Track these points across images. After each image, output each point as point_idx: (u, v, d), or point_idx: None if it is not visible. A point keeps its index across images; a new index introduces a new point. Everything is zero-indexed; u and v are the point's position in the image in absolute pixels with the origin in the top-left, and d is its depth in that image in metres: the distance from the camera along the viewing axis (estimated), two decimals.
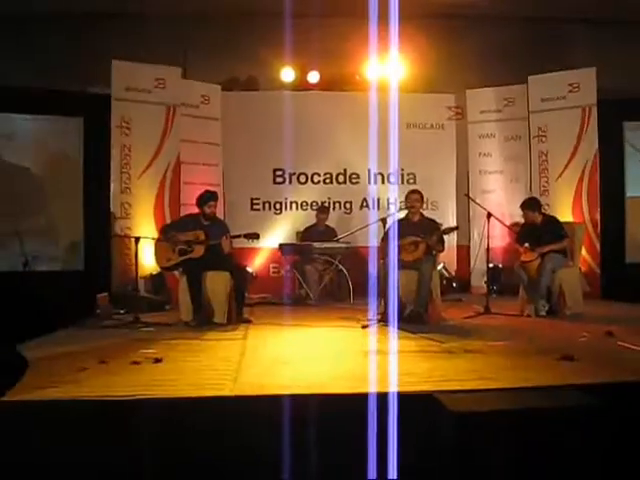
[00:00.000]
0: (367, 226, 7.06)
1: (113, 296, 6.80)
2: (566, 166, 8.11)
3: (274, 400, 3.17)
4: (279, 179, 8.75)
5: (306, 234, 8.07)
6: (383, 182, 8.83)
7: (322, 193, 8.75)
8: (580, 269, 6.99)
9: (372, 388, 3.22)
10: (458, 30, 8.33)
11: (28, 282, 6.94)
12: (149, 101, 7.63)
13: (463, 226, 8.20)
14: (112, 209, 7.41)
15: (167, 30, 7.85)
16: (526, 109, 8.38)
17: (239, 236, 6.12)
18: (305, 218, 8.54)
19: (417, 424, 2.94)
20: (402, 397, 3.00)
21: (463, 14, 8.25)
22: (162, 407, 3.12)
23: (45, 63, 7.65)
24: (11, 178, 7.66)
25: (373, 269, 6.31)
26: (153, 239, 6.31)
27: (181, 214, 7.33)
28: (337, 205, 8.78)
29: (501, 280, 8.06)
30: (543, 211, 6.79)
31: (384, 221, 6.24)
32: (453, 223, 8.13)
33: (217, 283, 5.93)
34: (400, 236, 5.87)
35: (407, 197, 6.45)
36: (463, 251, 8.64)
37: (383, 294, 5.79)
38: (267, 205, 8.73)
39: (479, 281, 8.19)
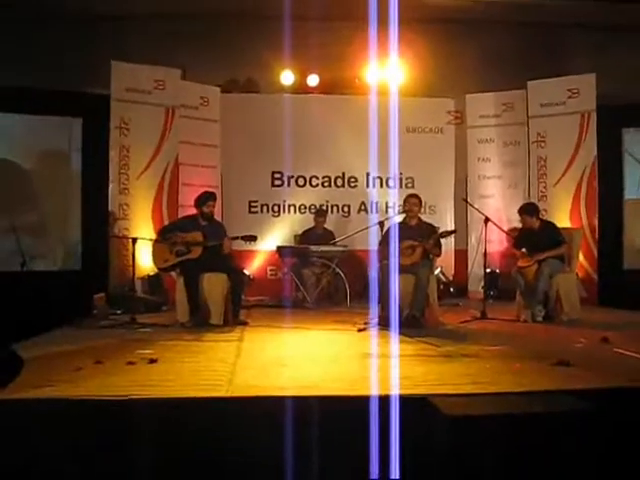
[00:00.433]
0: (365, 229, 7.05)
1: (110, 296, 6.81)
2: (565, 172, 8.11)
3: (270, 401, 3.18)
4: (277, 182, 8.76)
5: (304, 237, 8.06)
6: (382, 186, 8.84)
7: (320, 196, 8.75)
8: (577, 275, 6.98)
9: (367, 390, 3.22)
10: (458, 35, 8.33)
11: (25, 281, 6.94)
12: (148, 102, 7.64)
13: (461, 231, 8.18)
14: (110, 210, 7.40)
15: (167, 32, 7.85)
16: (525, 114, 8.39)
17: (237, 238, 6.14)
18: (303, 221, 8.54)
19: (411, 427, 2.93)
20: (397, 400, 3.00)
21: (463, 19, 8.26)
22: (158, 407, 3.12)
23: (45, 63, 7.65)
24: (9, 178, 7.66)
25: (371, 273, 6.31)
26: (151, 240, 6.32)
27: (179, 215, 7.33)
28: (335, 208, 8.79)
29: (498, 285, 8.07)
30: (541, 216, 6.79)
31: (382, 225, 6.25)
32: (451, 227, 8.11)
33: (214, 284, 5.93)
34: (398, 240, 5.87)
35: (405, 201, 6.45)
36: (461, 256, 8.63)
37: (381, 298, 5.79)
38: (265, 208, 8.73)
39: (476, 286, 8.19)
